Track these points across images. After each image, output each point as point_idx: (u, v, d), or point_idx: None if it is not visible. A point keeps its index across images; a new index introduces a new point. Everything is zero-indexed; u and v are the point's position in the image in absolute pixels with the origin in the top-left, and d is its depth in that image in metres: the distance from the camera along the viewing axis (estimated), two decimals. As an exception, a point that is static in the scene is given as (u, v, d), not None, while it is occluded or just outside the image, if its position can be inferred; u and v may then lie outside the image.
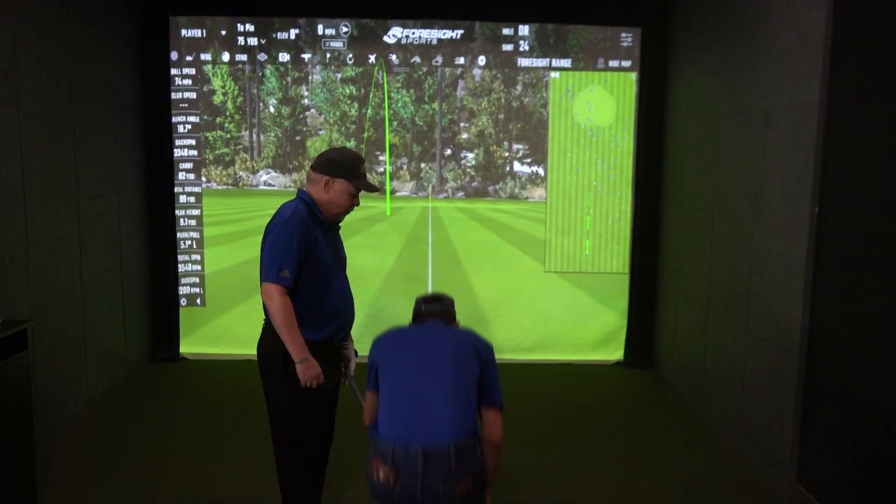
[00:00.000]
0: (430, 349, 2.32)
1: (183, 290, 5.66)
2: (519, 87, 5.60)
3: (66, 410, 4.25)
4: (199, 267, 5.68)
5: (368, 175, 5.62)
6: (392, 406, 2.23)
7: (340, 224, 2.87)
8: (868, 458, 2.89)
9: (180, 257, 5.63)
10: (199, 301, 5.70)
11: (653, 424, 4.54)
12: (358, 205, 2.78)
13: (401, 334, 2.45)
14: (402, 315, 5.65)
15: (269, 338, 2.67)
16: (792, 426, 3.43)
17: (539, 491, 3.60)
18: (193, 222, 5.65)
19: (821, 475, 3.22)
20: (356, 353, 2.94)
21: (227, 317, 5.70)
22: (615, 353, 5.80)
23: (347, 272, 2.92)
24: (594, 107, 5.56)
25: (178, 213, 5.61)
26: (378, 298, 5.76)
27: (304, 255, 2.60)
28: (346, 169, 2.69)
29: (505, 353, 5.73)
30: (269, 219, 2.75)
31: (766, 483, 3.67)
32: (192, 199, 5.64)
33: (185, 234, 5.65)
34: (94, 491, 3.49)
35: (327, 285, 2.71)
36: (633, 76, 5.52)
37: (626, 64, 5.52)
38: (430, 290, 5.74)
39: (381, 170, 5.68)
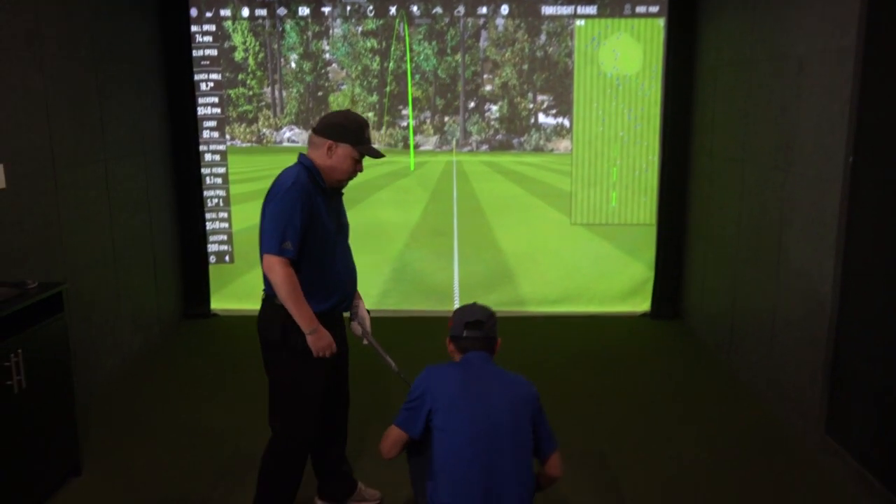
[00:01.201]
0: (491, 418, 2.17)
1: (211, 248, 5.74)
2: (543, 37, 5.48)
3: (104, 368, 4.37)
4: (226, 224, 5.74)
5: (391, 130, 5.59)
6: (462, 489, 2.13)
7: (343, 191, 2.75)
8: (899, 410, 2.88)
9: (208, 215, 5.68)
10: (227, 258, 5.78)
11: (680, 375, 4.55)
12: (361, 170, 2.66)
13: (457, 389, 2.23)
14: (428, 270, 5.71)
15: (269, 309, 2.59)
16: (821, 378, 3.42)
17: (565, 444, 3.64)
18: (219, 180, 5.69)
19: (850, 427, 3.22)
20: (368, 312, 2.88)
21: (255, 273, 5.75)
22: (642, 305, 5.79)
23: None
24: (621, 55, 5.43)
25: (204, 171, 5.64)
26: (404, 253, 5.78)
27: (307, 226, 2.50)
28: (352, 133, 2.57)
29: (531, 306, 5.75)
30: None
31: (795, 434, 3.68)
32: (217, 158, 5.66)
33: (212, 193, 5.69)
34: (132, 444, 3.61)
35: (331, 255, 2.62)
36: (661, 22, 5.37)
37: (654, 9, 5.36)
38: (455, 244, 5.76)
39: (405, 124, 5.64)
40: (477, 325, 2.33)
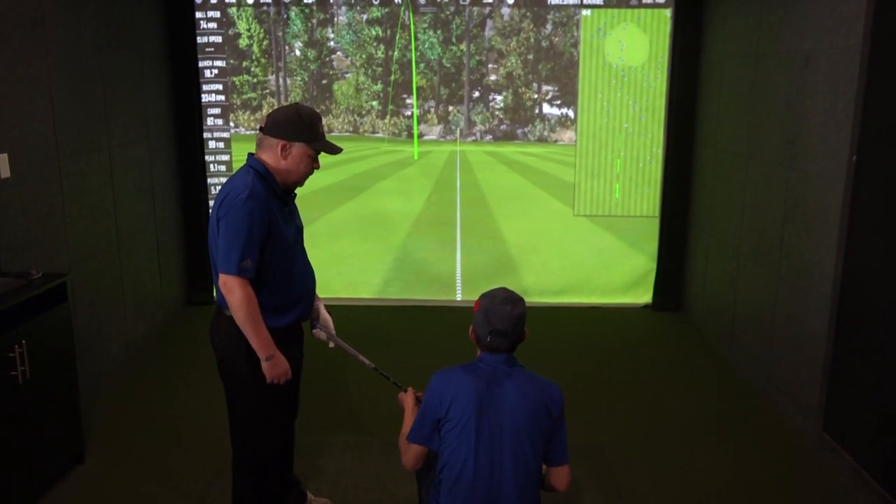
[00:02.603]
0: (500, 430, 2.08)
1: (215, 235, 5.74)
2: (549, 27, 5.45)
3: (108, 354, 4.41)
4: (230, 212, 5.74)
5: (396, 119, 5.59)
6: (460, 497, 2.09)
7: (296, 192, 2.54)
8: (896, 409, 2.89)
9: (211, 203, 5.70)
10: (231, 246, 5.78)
11: (680, 368, 4.57)
12: (318, 168, 2.45)
13: (467, 400, 2.11)
14: (431, 259, 5.72)
15: (227, 327, 2.39)
16: (820, 374, 3.43)
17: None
18: (223, 168, 5.69)
19: (847, 424, 3.23)
20: (330, 313, 2.75)
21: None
22: (644, 297, 5.80)
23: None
24: (626, 46, 5.40)
25: (208, 158, 5.65)
26: (406, 243, 5.79)
27: (265, 239, 2.31)
28: (307, 130, 2.36)
29: (533, 297, 5.76)
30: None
31: (792, 429, 3.70)
32: (221, 145, 5.66)
33: (216, 180, 5.69)
34: (136, 431, 3.65)
35: (290, 266, 2.45)
36: (668, 13, 5.33)
37: (661, 0, 5.32)
38: (458, 234, 5.76)
39: (409, 113, 5.63)
40: (502, 335, 2.15)
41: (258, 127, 2.43)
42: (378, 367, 2.71)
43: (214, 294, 2.48)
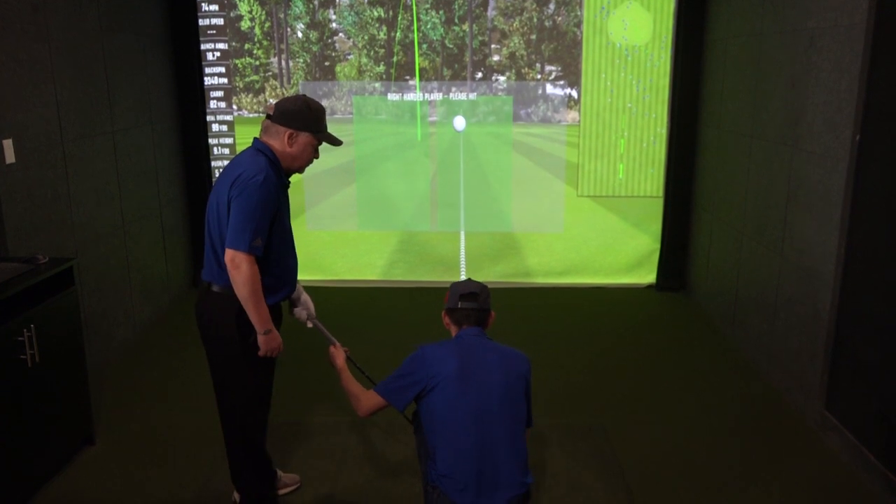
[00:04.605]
0: (487, 392, 2.25)
1: (220, 218, 5.76)
2: (552, 6, 5.42)
3: (115, 338, 4.45)
4: (234, 195, 5.75)
5: (400, 95, 5.57)
6: (461, 471, 2.21)
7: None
8: (897, 388, 2.91)
9: (215, 186, 5.71)
10: (235, 228, 5.81)
11: (684, 348, 4.59)
12: (318, 157, 2.62)
13: (453, 365, 2.28)
14: (434, 241, 5.73)
15: (220, 303, 2.52)
16: (822, 354, 3.45)
17: (568, 415, 3.71)
18: (227, 151, 5.70)
19: (849, 403, 3.26)
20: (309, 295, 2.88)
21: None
22: (647, 277, 5.81)
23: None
24: (630, 25, 5.37)
25: (212, 141, 5.66)
26: (410, 224, 5.80)
27: (273, 222, 2.47)
28: (313, 122, 2.52)
29: (537, 277, 5.79)
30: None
31: (794, 408, 3.73)
32: (225, 128, 5.66)
33: (220, 163, 5.70)
34: (145, 413, 3.70)
35: (287, 249, 2.62)
36: (672, -9, 5.29)
37: (665, -22, 5.28)
38: (462, 215, 5.77)
39: (412, 95, 5.61)
40: (472, 297, 2.40)
41: (265, 114, 2.56)
42: (350, 354, 2.80)
43: (203, 272, 2.59)
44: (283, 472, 3.07)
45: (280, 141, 2.51)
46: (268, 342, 2.53)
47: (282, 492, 3.01)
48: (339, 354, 2.71)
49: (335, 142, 2.60)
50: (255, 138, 2.56)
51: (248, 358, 2.58)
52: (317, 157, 2.62)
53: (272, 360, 2.70)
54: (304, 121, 2.51)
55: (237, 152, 5.66)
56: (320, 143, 2.58)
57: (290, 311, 2.79)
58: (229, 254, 2.39)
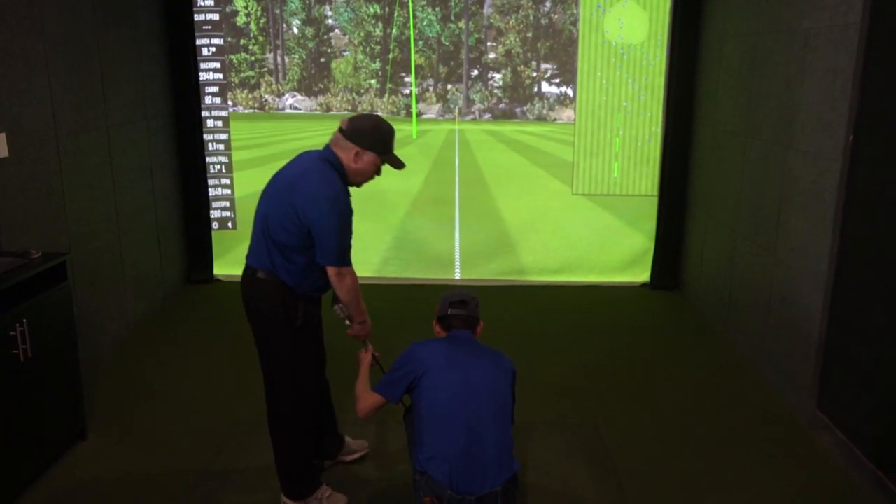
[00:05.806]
0: (474, 381, 2.35)
1: (214, 214, 5.77)
2: (548, 4, 5.42)
3: (109, 333, 4.44)
4: (229, 191, 5.75)
5: (394, 97, 5.57)
6: (448, 449, 2.27)
7: None
8: (890, 388, 2.92)
9: (210, 181, 5.70)
10: (230, 224, 5.81)
11: (677, 346, 4.60)
12: (380, 175, 2.76)
13: (442, 355, 2.42)
14: (429, 238, 5.74)
15: (266, 288, 2.68)
16: (815, 353, 3.46)
17: (562, 412, 3.72)
18: (222, 147, 5.69)
19: (841, 402, 3.27)
20: None
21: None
22: (642, 275, 5.82)
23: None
24: (626, 23, 5.37)
25: (207, 137, 5.64)
26: (405, 221, 5.81)
27: None
28: (381, 144, 2.66)
29: (531, 276, 5.79)
30: (299, 150, 2.76)
31: (786, 407, 3.74)
32: (220, 124, 5.65)
33: (214, 159, 5.69)
34: (137, 408, 3.69)
35: None
36: (668, -10, 5.30)
37: (661, -23, 5.28)
38: (456, 213, 5.78)
39: (407, 92, 5.61)
40: (461, 304, 2.53)
41: (339, 128, 2.67)
42: (379, 358, 2.87)
43: (249, 257, 2.79)
44: (353, 439, 3.21)
45: (348, 155, 2.63)
46: (362, 328, 2.79)
47: (349, 458, 3.17)
48: (366, 357, 2.82)
49: (399, 165, 2.72)
50: (327, 145, 2.68)
51: (294, 333, 2.72)
52: (378, 175, 2.74)
53: (319, 336, 2.90)
54: (373, 141, 2.63)
55: (232, 148, 5.66)
56: (384, 164, 2.70)
57: (331, 305, 2.87)
58: (333, 270, 2.60)
